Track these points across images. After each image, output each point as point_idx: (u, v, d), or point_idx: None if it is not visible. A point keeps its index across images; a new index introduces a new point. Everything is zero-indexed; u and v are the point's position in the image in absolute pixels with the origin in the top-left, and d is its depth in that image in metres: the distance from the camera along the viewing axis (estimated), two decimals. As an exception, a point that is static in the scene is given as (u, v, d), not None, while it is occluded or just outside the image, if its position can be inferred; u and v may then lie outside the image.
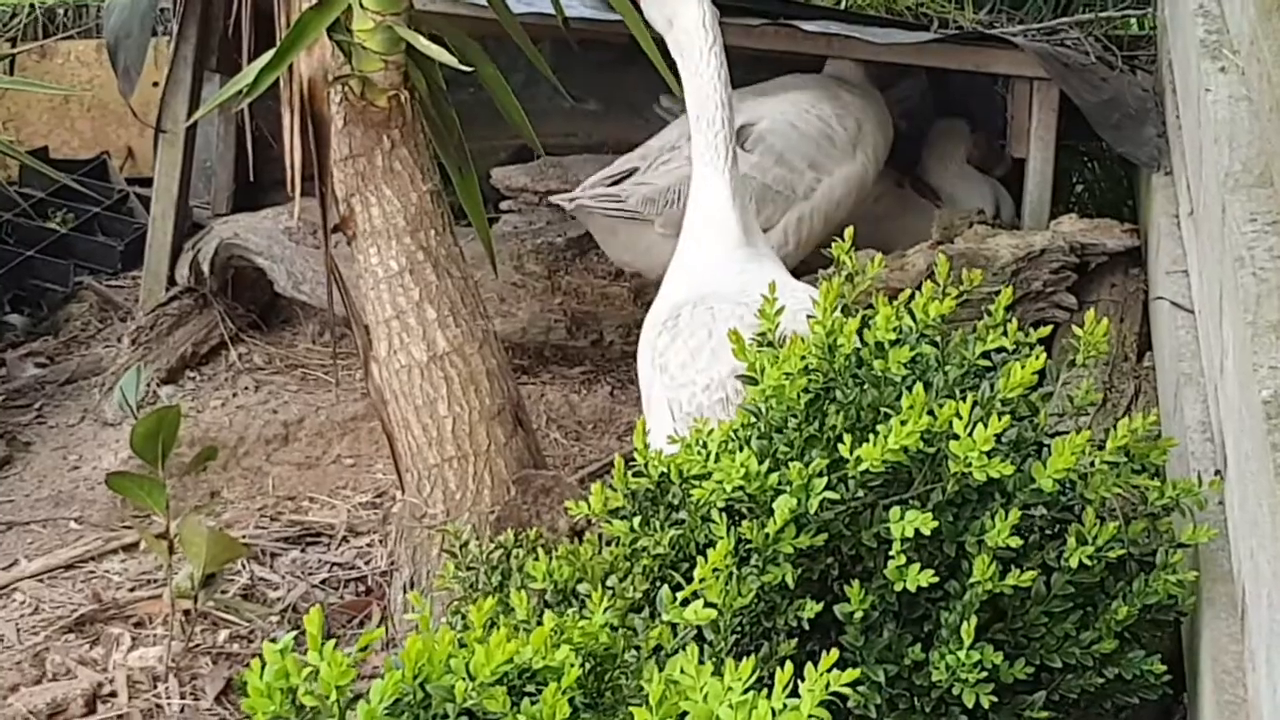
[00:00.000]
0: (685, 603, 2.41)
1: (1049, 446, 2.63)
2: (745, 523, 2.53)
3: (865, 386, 2.70)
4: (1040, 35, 4.63)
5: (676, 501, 2.70)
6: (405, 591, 3.54)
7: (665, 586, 2.46)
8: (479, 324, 3.58)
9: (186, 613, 3.53)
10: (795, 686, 2.12)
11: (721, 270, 3.29)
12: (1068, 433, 2.77)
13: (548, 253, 4.50)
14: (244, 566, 3.75)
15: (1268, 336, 2.11)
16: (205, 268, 4.65)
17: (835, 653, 2.16)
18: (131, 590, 3.74)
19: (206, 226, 4.77)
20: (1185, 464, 3.00)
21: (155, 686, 3.43)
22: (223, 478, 4.14)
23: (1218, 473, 2.86)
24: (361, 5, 3.40)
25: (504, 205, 4.69)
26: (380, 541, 3.85)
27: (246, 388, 4.53)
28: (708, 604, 2.42)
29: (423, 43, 3.37)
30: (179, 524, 3.40)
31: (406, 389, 3.55)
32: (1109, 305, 4.12)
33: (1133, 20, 4.92)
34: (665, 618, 2.38)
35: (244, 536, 3.83)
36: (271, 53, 3.32)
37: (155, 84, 4.89)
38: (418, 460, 3.57)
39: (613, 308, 4.47)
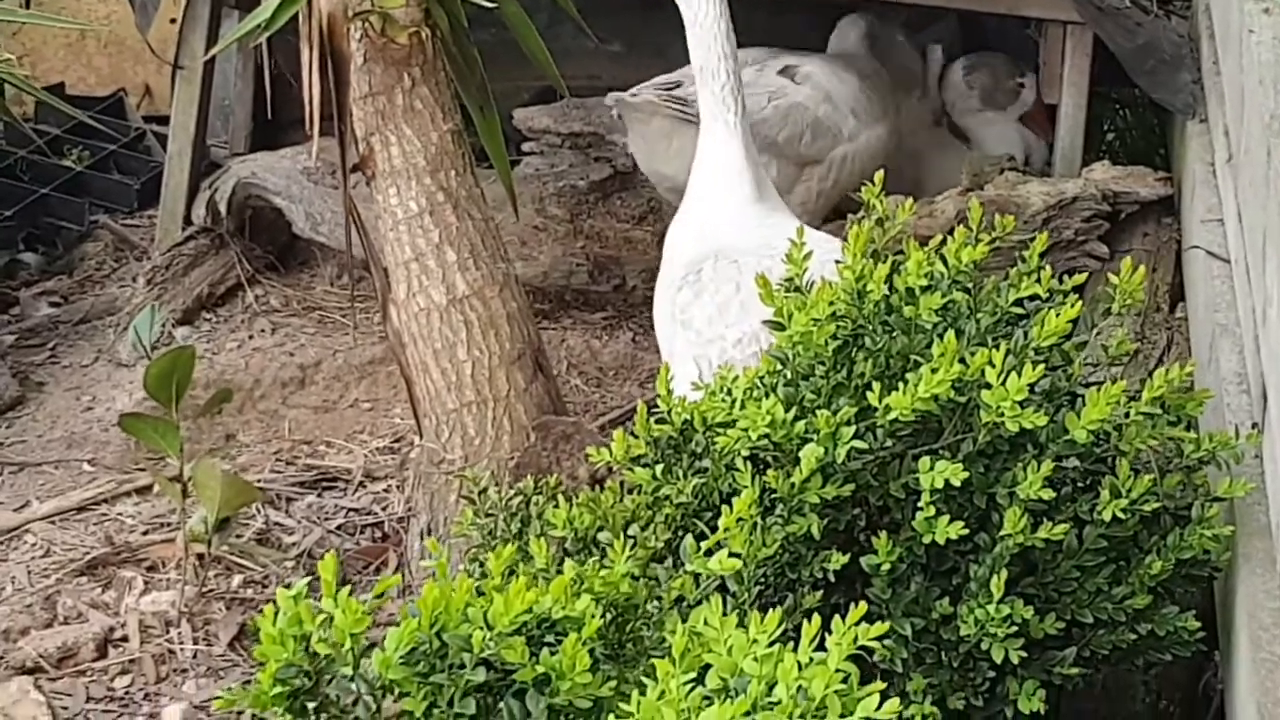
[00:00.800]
0: (709, 553, 2.35)
1: (1083, 397, 2.57)
2: (770, 472, 2.48)
3: (895, 334, 2.64)
4: (1074, -21, 4.53)
5: (700, 449, 2.65)
6: (422, 538, 3.49)
7: (689, 536, 2.40)
8: (499, 267, 3.52)
9: (200, 557, 3.48)
10: (821, 640, 2.06)
11: (736, 225, 3.22)
12: (1102, 383, 2.72)
13: (570, 196, 4.42)
14: (259, 511, 3.69)
15: (1317, 285, 2.03)
16: (222, 208, 4.58)
17: (863, 605, 2.11)
18: (145, 534, 3.68)
19: (224, 166, 4.70)
20: (1220, 416, 2.94)
21: (167, 631, 3.38)
22: (238, 421, 4.08)
23: (1255, 425, 2.80)
24: (383, -62, 3.34)
25: (526, 147, 4.61)
26: (398, 487, 3.80)
27: (263, 330, 4.46)
28: (732, 554, 2.36)
29: (443, -23, 3.31)
30: (193, 467, 3.35)
31: (425, 332, 3.50)
32: (1141, 255, 4.04)
33: (1169, -35, 4.81)
34: (689, 568, 2.32)
35: (259, 481, 3.78)
36: (289, -12, 3.26)
37: (173, 20, 4.80)
38: (436, 405, 3.52)
39: (635, 252, 4.40)
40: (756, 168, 3.27)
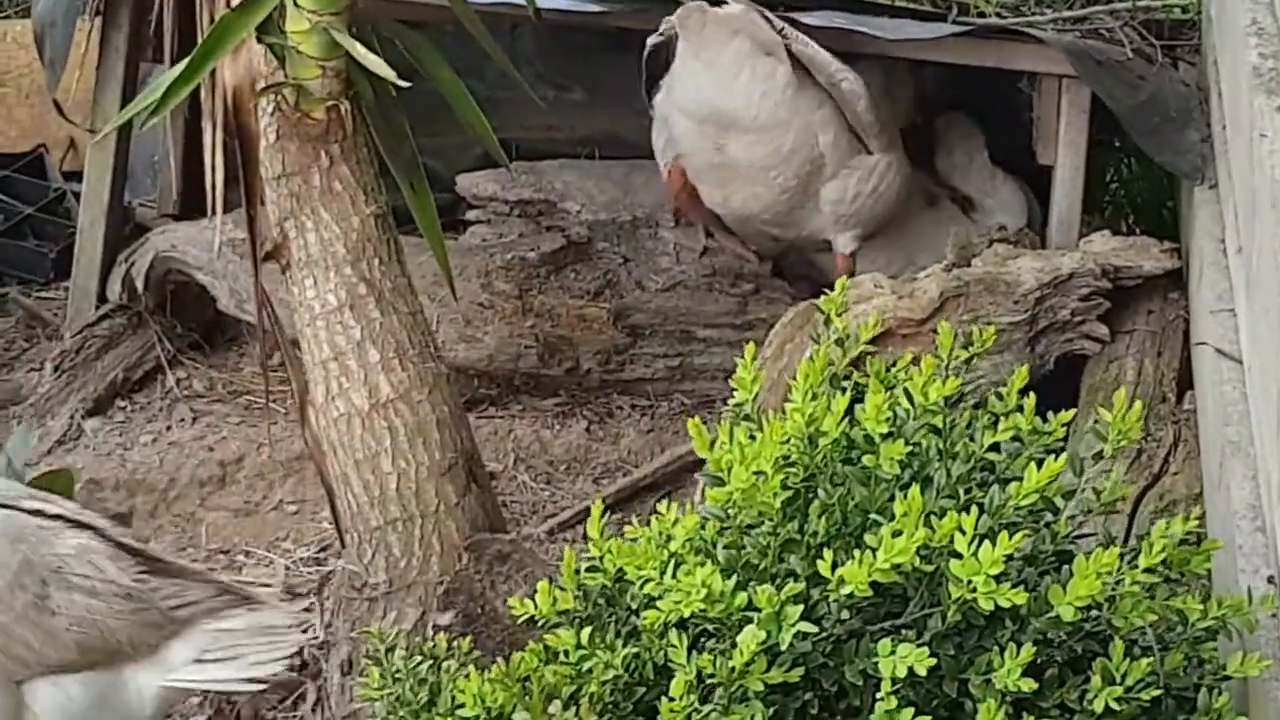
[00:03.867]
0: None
1: (1071, 559, 2.23)
2: (707, 654, 2.20)
3: (852, 484, 2.30)
4: (1070, 24, 4.15)
5: (635, 605, 2.37)
6: (342, 672, 3.18)
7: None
8: (429, 366, 3.24)
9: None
10: None
11: None
12: (1093, 535, 2.38)
13: (519, 269, 4.07)
14: (164, 637, 3.35)
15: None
16: (139, 283, 4.23)
17: None
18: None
19: (142, 238, 4.33)
20: (1231, 556, 2.58)
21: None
22: (150, 526, 3.75)
23: (1270, 579, 2.45)
24: (296, 4, 3.06)
25: (471, 215, 4.27)
26: (320, 606, 3.45)
27: (182, 420, 4.10)
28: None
29: (360, 51, 2.99)
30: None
31: (346, 440, 3.22)
32: (1145, 336, 3.68)
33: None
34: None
35: (166, 600, 3.44)
36: (185, 62, 2.94)
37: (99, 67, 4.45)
38: (358, 521, 3.25)
39: (590, 331, 4.06)
40: None
